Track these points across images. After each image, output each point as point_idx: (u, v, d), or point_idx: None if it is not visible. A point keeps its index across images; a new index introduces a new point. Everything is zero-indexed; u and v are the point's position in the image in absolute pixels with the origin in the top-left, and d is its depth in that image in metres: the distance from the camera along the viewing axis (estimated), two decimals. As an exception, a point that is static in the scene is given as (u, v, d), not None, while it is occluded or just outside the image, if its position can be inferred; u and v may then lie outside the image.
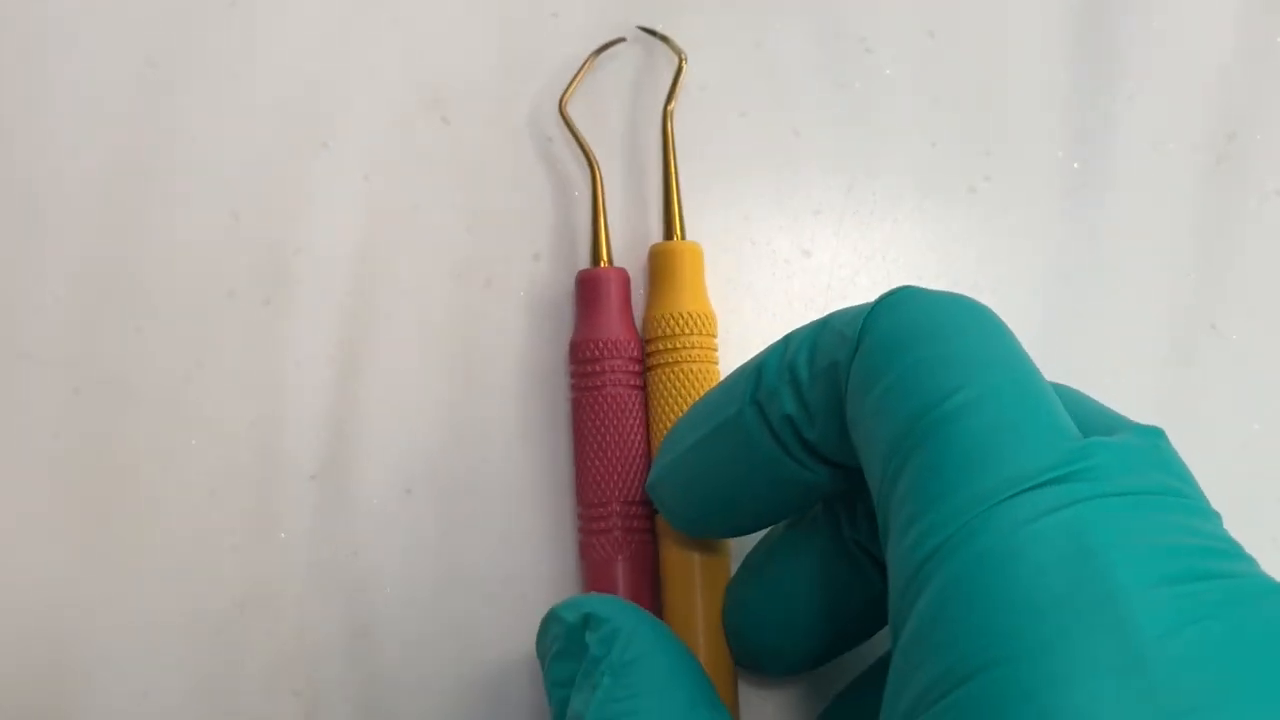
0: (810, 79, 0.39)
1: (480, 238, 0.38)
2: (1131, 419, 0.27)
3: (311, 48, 0.38)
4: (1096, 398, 0.27)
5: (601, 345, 0.35)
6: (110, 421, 0.36)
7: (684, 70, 0.37)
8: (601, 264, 0.36)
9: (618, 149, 0.38)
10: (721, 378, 0.34)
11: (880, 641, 0.33)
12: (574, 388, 0.35)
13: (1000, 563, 0.22)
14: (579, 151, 0.38)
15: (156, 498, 0.36)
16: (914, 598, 0.23)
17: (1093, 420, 0.25)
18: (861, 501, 0.30)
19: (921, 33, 0.39)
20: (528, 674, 0.35)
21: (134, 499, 0.36)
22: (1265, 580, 0.22)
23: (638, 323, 0.36)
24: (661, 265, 0.36)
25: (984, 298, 0.27)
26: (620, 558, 0.34)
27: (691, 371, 0.34)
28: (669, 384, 0.34)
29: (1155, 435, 0.25)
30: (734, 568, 0.34)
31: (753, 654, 0.33)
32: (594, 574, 0.34)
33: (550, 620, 0.30)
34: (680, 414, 0.34)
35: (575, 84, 0.37)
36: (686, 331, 0.34)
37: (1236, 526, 0.24)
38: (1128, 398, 0.29)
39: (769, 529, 0.33)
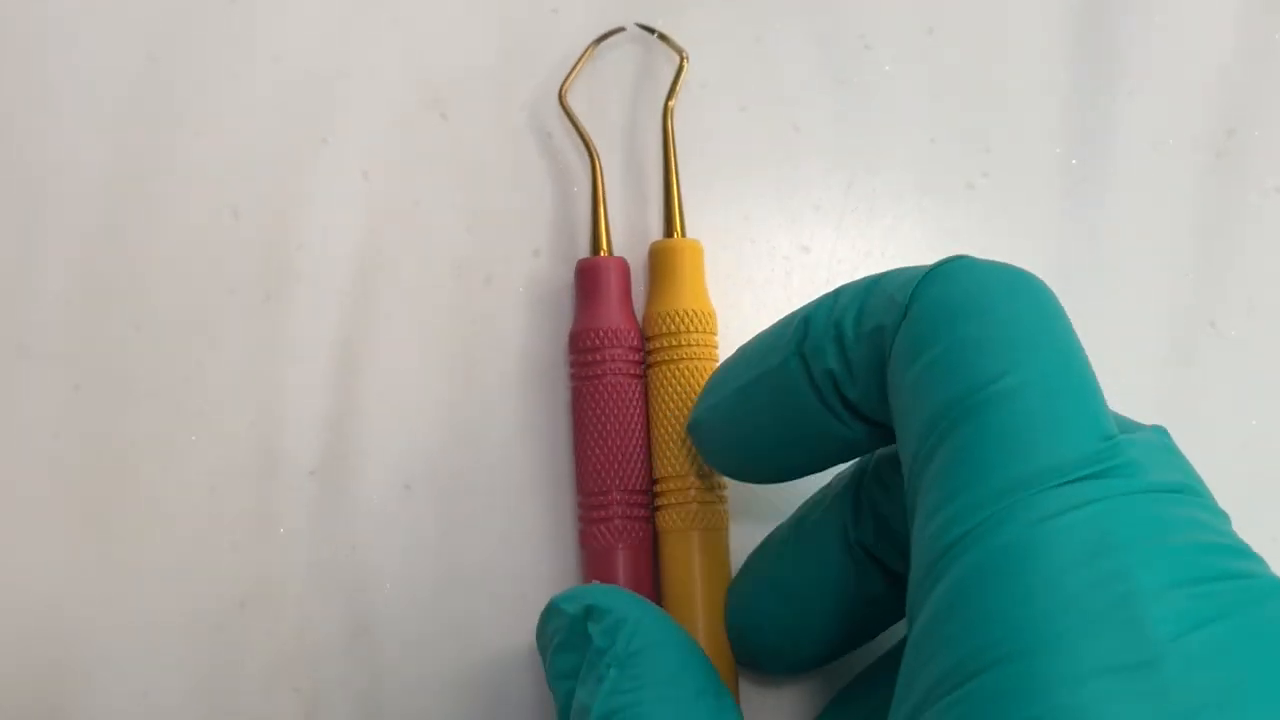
0: (810, 75, 0.39)
1: (480, 235, 0.38)
2: (1131, 418, 0.27)
3: (311, 45, 0.38)
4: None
5: (601, 334, 0.35)
6: (110, 418, 0.36)
7: (685, 68, 0.37)
8: (601, 253, 0.36)
9: (617, 144, 0.38)
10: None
11: (884, 640, 0.33)
12: (574, 377, 0.35)
13: (1021, 557, 0.22)
14: (578, 147, 0.38)
15: (156, 495, 0.36)
16: (934, 584, 0.23)
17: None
18: (866, 504, 0.30)
19: (921, 30, 0.39)
20: (528, 669, 0.35)
21: (134, 496, 0.36)
22: (1275, 581, 0.22)
23: (638, 315, 0.36)
24: (662, 262, 0.36)
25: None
26: (620, 546, 0.34)
27: (692, 369, 0.34)
28: (669, 381, 0.34)
29: (1164, 435, 0.25)
30: (734, 565, 0.34)
31: (754, 654, 0.33)
32: (594, 563, 0.34)
33: (551, 612, 0.30)
34: (680, 412, 0.34)
35: (574, 74, 0.37)
36: (687, 329, 0.34)
37: (1237, 525, 0.24)
38: (1127, 396, 0.29)
39: (772, 530, 0.33)
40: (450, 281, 0.37)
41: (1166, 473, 0.24)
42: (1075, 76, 0.39)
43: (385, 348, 0.37)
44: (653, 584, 0.34)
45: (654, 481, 0.35)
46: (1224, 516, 0.24)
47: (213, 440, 0.36)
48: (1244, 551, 0.23)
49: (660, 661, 0.28)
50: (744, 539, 0.34)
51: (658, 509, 0.34)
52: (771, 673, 0.34)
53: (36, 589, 0.35)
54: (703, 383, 0.34)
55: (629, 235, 0.37)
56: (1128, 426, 0.25)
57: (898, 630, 0.33)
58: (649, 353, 0.35)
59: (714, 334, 0.35)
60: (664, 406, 0.34)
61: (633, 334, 0.35)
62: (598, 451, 0.34)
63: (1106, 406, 0.25)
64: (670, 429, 0.34)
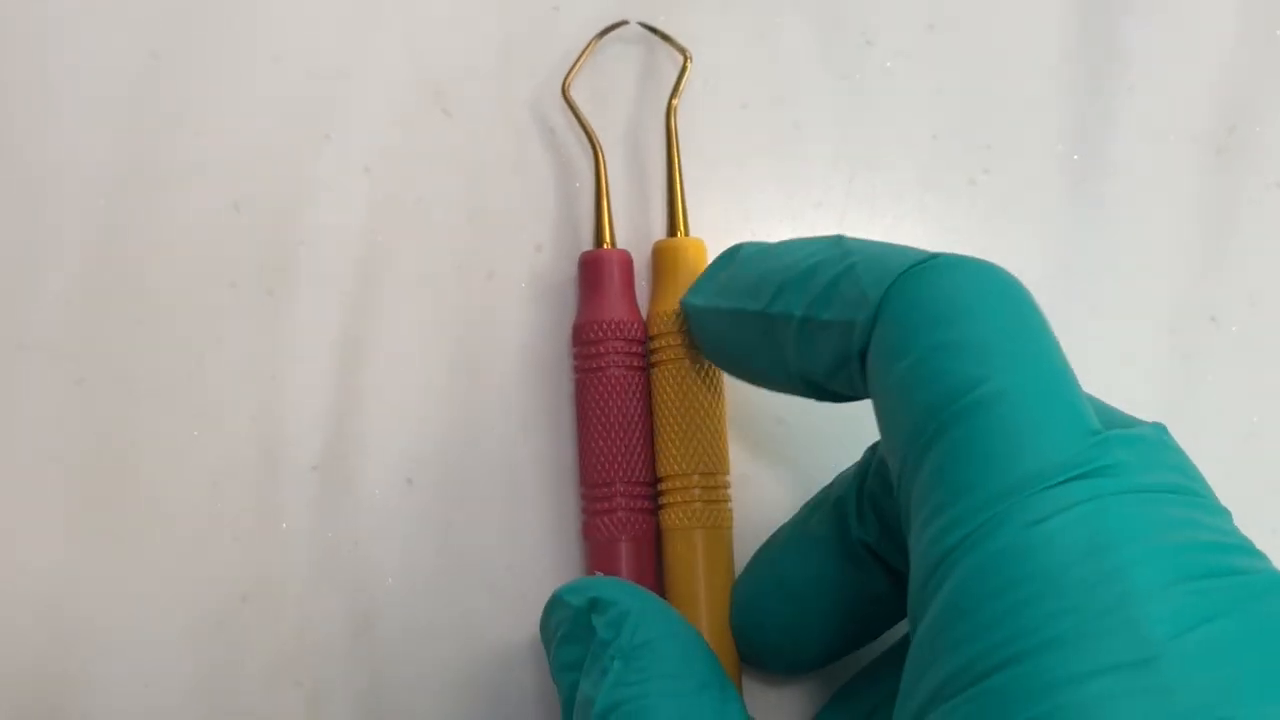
0: (811, 72, 0.39)
1: (482, 230, 0.38)
2: (1132, 414, 0.27)
3: (313, 41, 0.38)
4: (1096, 390, 0.27)
5: (605, 326, 0.35)
6: (113, 413, 0.36)
7: (688, 68, 0.37)
8: (604, 246, 0.36)
9: (620, 139, 0.38)
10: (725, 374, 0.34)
11: (886, 638, 0.33)
12: (577, 369, 0.35)
13: (1017, 561, 0.22)
14: (580, 143, 0.38)
15: (158, 490, 0.36)
16: (935, 590, 0.23)
17: (1103, 419, 0.25)
18: (869, 503, 0.30)
19: (922, 25, 0.39)
20: (530, 663, 0.35)
21: (135, 491, 0.36)
22: (1276, 576, 0.22)
23: (641, 309, 0.36)
24: (665, 261, 0.36)
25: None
26: (623, 538, 0.34)
27: (695, 367, 0.34)
28: (672, 380, 0.34)
29: (1163, 431, 0.25)
30: (737, 563, 0.34)
31: (758, 652, 0.33)
32: (597, 555, 0.34)
33: (555, 604, 0.30)
34: (683, 411, 0.34)
35: (577, 67, 0.37)
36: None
37: (1237, 519, 0.24)
38: (1127, 390, 0.29)
39: (775, 530, 0.33)
40: (452, 277, 0.37)
41: (1159, 471, 0.24)
42: (1076, 73, 0.39)
43: (387, 343, 0.37)
44: (656, 577, 0.34)
45: (658, 480, 0.35)
46: (1224, 513, 0.24)
47: (214, 435, 0.36)
48: (1243, 547, 0.23)
49: (664, 654, 0.28)
50: (747, 538, 0.34)
51: (661, 507, 0.34)
52: (775, 671, 0.35)
53: (38, 584, 0.36)
54: (708, 382, 0.34)
55: (631, 229, 0.37)
56: (1126, 423, 0.25)
57: (900, 629, 0.33)
58: (652, 351, 0.35)
59: (718, 332, 0.35)
60: (667, 405, 0.34)
61: (636, 326, 0.35)
62: (601, 443, 0.34)
63: (1088, 405, 0.25)
64: (674, 427, 0.34)
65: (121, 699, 0.35)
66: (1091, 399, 0.26)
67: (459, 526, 0.36)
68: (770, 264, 0.30)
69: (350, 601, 0.36)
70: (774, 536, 0.33)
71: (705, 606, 0.33)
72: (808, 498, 0.33)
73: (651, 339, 0.35)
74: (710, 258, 0.36)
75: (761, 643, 0.33)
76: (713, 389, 0.35)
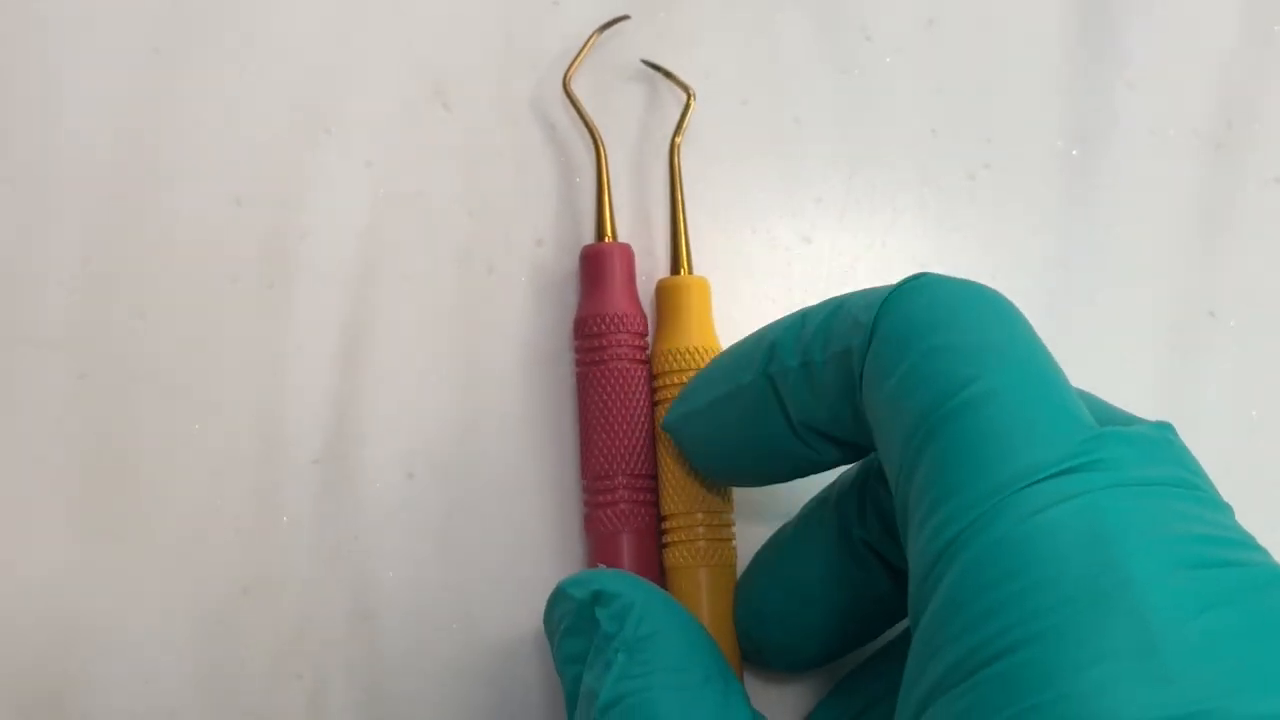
0: (811, 67, 0.39)
1: (482, 224, 0.38)
2: (1130, 409, 0.27)
3: (314, 34, 0.38)
4: (1095, 385, 0.27)
5: (606, 320, 0.35)
6: (114, 406, 0.36)
7: (692, 105, 0.37)
8: (606, 239, 0.36)
9: (620, 134, 0.38)
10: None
11: (887, 635, 0.33)
12: (579, 363, 0.35)
13: (1018, 549, 0.22)
14: (581, 138, 0.38)
15: (160, 482, 0.36)
16: (933, 586, 0.23)
17: (1103, 418, 0.25)
18: (871, 501, 0.30)
19: (921, 21, 0.39)
20: (532, 653, 0.35)
21: (137, 483, 0.36)
22: (1278, 569, 0.22)
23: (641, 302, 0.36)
24: (670, 299, 0.36)
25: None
26: (625, 531, 0.34)
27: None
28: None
29: (1166, 429, 0.25)
30: (740, 561, 0.34)
31: (760, 650, 0.33)
32: (599, 547, 0.34)
33: (559, 596, 0.30)
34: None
35: (578, 61, 0.37)
36: (694, 366, 0.34)
37: (1236, 513, 0.24)
38: (1126, 384, 0.29)
39: (778, 529, 0.33)
40: (453, 270, 0.37)
41: (1157, 466, 0.24)
42: (1076, 68, 0.39)
43: (388, 337, 0.37)
44: (658, 570, 0.34)
45: (662, 519, 0.35)
46: (1225, 508, 0.24)
47: (216, 429, 0.36)
48: (1244, 542, 0.23)
49: (668, 647, 0.28)
50: (749, 539, 0.34)
51: (665, 546, 0.34)
52: (777, 669, 0.35)
53: (39, 577, 0.36)
54: None
55: (632, 222, 0.37)
56: (1127, 421, 0.26)
57: (899, 626, 0.33)
58: (656, 389, 0.35)
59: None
60: (670, 444, 0.34)
61: (637, 319, 0.35)
62: (603, 436, 0.34)
63: (1080, 402, 0.25)
64: (677, 465, 0.34)
65: (122, 692, 0.35)
66: (1094, 399, 0.27)
67: (459, 520, 0.36)
68: (753, 339, 0.31)
69: (351, 594, 0.36)
70: (776, 535, 0.33)
71: (707, 604, 0.34)
72: (809, 496, 0.33)
73: (655, 377, 0.35)
74: (708, 251, 0.36)
75: (763, 640, 0.33)
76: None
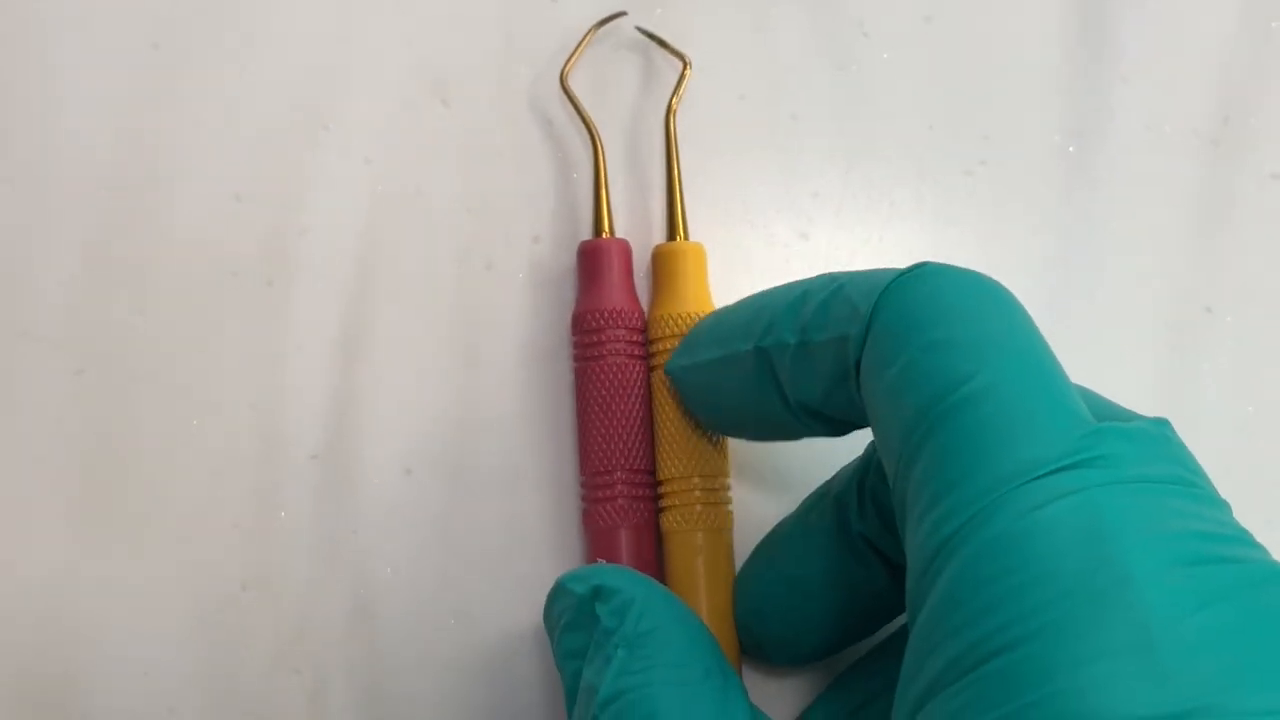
0: (808, 63, 0.39)
1: (481, 220, 0.38)
2: (1126, 405, 0.27)
3: (313, 31, 0.38)
4: (1092, 380, 0.27)
5: (604, 315, 0.35)
6: (113, 402, 0.36)
7: (688, 73, 0.37)
8: (604, 235, 0.36)
9: (618, 129, 0.38)
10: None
11: (885, 630, 0.33)
12: (577, 358, 0.35)
13: (1016, 545, 0.22)
14: (579, 134, 0.38)
15: (158, 478, 0.36)
16: (931, 581, 0.23)
17: (1101, 414, 0.25)
18: (870, 497, 0.31)
19: (918, 17, 0.39)
20: (531, 649, 0.36)
21: (136, 479, 0.36)
22: (1275, 566, 0.23)
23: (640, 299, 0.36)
24: (665, 265, 0.36)
25: (980, 281, 0.27)
26: (623, 526, 0.34)
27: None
28: (673, 383, 0.35)
29: (1163, 425, 0.25)
30: (737, 559, 0.35)
31: (759, 644, 0.34)
32: (597, 543, 0.34)
33: (559, 592, 0.30)
34: (683, 415, 0.34)
35: (575, 57, 0.37)
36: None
37: (1233, 510, 0.24)
38: (1123, 380, 0.29)
39: (777, 523, 0.34)
40: (451, 267, 0.37)
41: (1155, 463, 0.24)
42: (1073, 64, 0.39)
43: (386, 332, 0.37)
44: (656, 565, 0.35)
45: (658, 483, 0.35)
46: (1223, 505, 0.24)
47: (214, 425, 0.36)
48: (1242, 539, 0.23)
49: (668, 642, 0.28)
50: (747, 537, 0.34)
51: (661, 510, 0.34)
52: (776, 663, 0.35)
53: (38, 573, 0.36)
54: None
55: (630, 219, 0.37)
56: (1125, 417, 0.26)
57: (897, 622, 0.33)
58: (652, 355, 0.35)
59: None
60: (667, 408, 0.34)
61: (635, 315, 0.35)
62: (602, 431, 0.34)
63: (1079, 398, 0.25)
64: (673, 430, 0.34)
65: (121, 687, 0.35)
66: (1092, 394, 0.27)
67: (458, 515, 0.36)
68: (756, 304, 0.31)
69: (349, 590, 0.36)
70: (776, 529, 0.33)
71: (706, 608, 0.34)
72: (807, 495, 0.33)
73: (651, 342, 0.35)
74: (709, 262, 0.36)
75: (762, 634, 0.33)
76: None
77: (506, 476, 0.36)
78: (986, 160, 0.39)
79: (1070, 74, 0.39)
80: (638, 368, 0.35)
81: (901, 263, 0.37)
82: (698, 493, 0.34)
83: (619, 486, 0.34)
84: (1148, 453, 0.24)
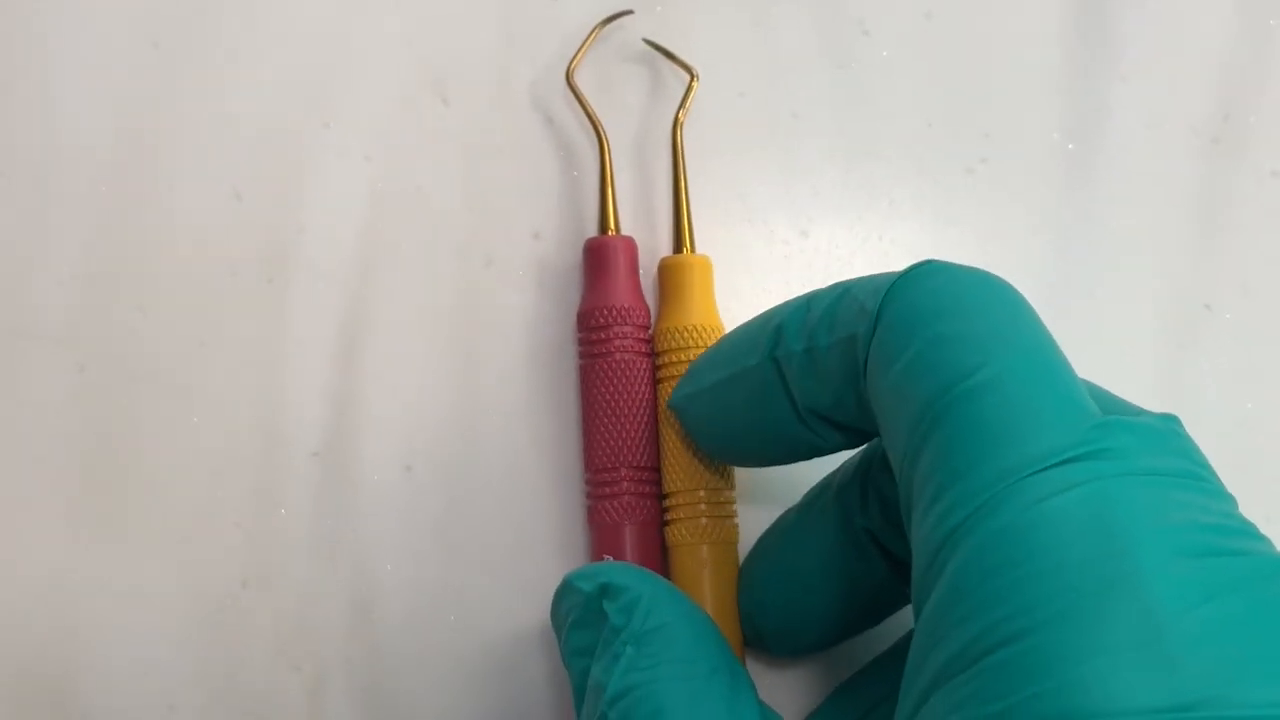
0: (808, 60, 0.39)
1: (480, 217, 0.38)
2: (1127, 400, 0.27)
3: (312, 28, 0.38)
4: (1091, 376, 0.27)
5: (610, 312, 0.35)
6: (113, 399, 0.36)
7: (695, 86, 0.37)
8: (609, 233, 0.36)
9: (622, 127, 0.38)
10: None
11: (890, 629, 0.33)
12: (582, 355, 0.35)
13: (1022, 537, 0.22)
14: (582, 129, 0.38)
15: (158, 475, 0.36)
16: (938, 573, 0.23)
17: (1109, 409, 0.25)
18: (873, 490, 0.31)
19: (919, 14, 0.39)
20: (533, 646, 0.36)
21: (136, 476, 0.36)
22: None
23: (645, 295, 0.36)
24: (672, 278, 0.36)
25: (979, 278, 0.27)
26: (628, 523, 0.34)
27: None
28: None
29: (1172, 421, 0.25)
30: (742, 545, 0.35)
31: (761, 635, 0.34)
32: (602, 540, 0.34)
33: (566, 590, 0.30)
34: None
35: (581, 53, 0.37)
36: (697, 344, 0.34)
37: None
38: (1123, 377, 0.29)
39: (780, 516, 0.34)
40: (451, 263, 0.37)
41: (1162, 457, 0.24)
42: (1072, 61, 0.39)
43: (386, 330, 0.37)
44: (661, 562, 0.35)
45: (664, 496, 0.35)
46: (1229, 499, 0.24)
47: (214, 422, 0.36)
48: (1248, 532, 0.23)
49: (675, 639, 0.28)
50: (751, 521, 0.35)
51: (667, 523, 0.34)
52: (777, 654, 0.35)
53: (39, 568, 0.36)
54: None
55: (633, 225, 0.37)
56: (1133, 412, 0.26)
57: (902, 618, 0.33)
58: (659, 367, 0.35)
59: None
60: (673, 420, 0.34)
61: (641, 312, 0.35)
62: (607, 429, 0.34)
63: (1085, 391, 0.25)
64: (679, 443, 0.34)
65: (121, 684, 0.35)
66: (1101, 390, 0.27)
67: (458, 513, 0.36)
68: (761, 320, 0.31)
69: (349, 587, 0.36)
70: (779, 521, 0.34)
71: (709, 592, 0.34)
72: (813, 483, 0.33)
73: (658, 354, 0.35)
74: (705, 243, 0.36)
75: (763, 625, 0.33)
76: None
77: (508, 473, 0.36)
78: (987, 158, 0.39)
79: (1070, 72, 0.39)
80: (643, 365, 0.35)
81: (902, 261, 0.37)
82: (703, 506, 0.34)
83: (624, 484, 0.34)
84: (1155, 446, 0.24)
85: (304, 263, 0.37)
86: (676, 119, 0.37)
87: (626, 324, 0.35)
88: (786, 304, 0.30)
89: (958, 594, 0.22)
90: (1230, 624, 0.21)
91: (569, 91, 0.37)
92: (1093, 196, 0.39)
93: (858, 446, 0.31)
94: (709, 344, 0.34)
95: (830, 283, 0.30)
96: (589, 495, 0.35)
